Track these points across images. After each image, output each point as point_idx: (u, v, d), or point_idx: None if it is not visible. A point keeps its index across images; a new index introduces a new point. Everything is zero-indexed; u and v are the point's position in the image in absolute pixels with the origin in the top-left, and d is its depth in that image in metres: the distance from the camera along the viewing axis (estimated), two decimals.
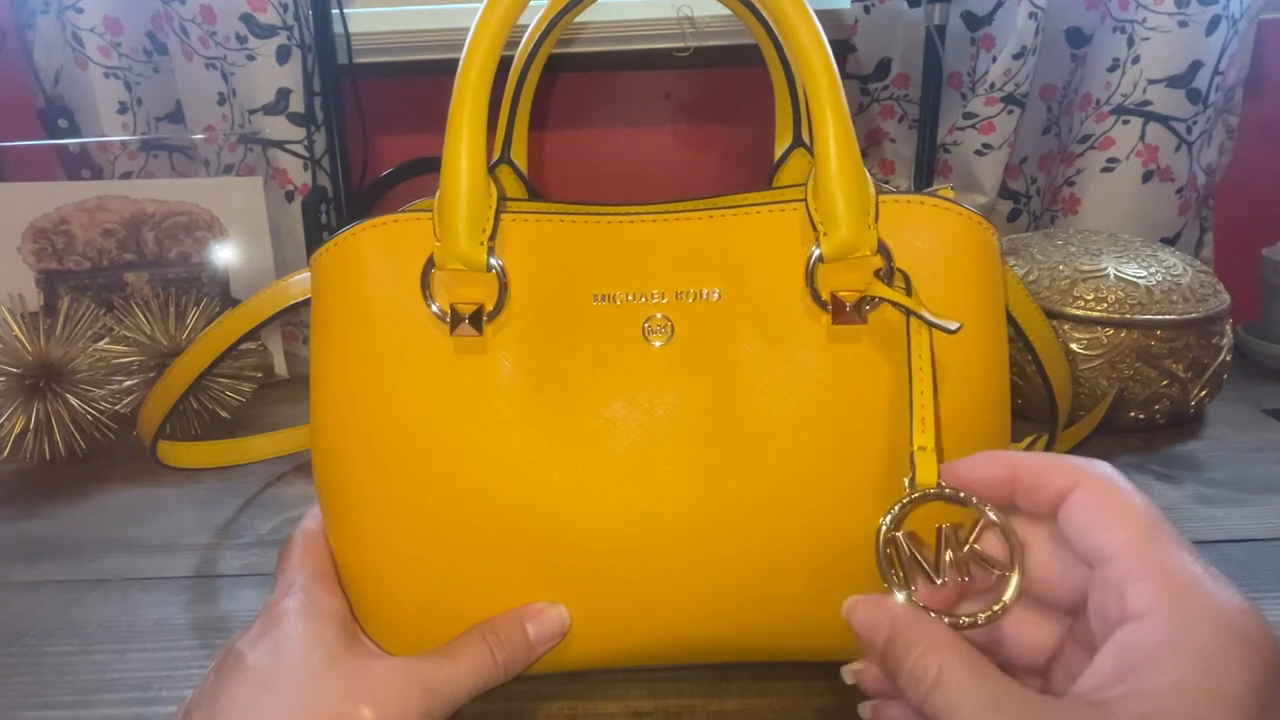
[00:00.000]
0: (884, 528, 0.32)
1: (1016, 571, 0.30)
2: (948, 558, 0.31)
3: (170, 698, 0.40)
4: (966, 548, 0.31)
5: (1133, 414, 0.65)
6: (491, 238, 0.37)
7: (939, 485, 0.32)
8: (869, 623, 0.30)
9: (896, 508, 0.32)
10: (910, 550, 0.31)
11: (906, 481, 0.32)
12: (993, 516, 0.31)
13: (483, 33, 0.36)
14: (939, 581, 0.31)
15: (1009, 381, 0.38)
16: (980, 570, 0.31)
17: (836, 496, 0.36)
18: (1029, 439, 0.55)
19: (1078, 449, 0.57)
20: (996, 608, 0.30)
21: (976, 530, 0.31)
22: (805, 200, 0.37)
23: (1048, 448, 0.53)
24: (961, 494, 0.31)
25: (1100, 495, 0.28)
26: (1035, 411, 0.63)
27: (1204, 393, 0.65)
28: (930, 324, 0.34)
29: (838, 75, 0.36)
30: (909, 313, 0.35)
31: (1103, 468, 0.29)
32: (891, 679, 0.28)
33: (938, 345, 0.35)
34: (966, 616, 0.30)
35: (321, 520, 0.39)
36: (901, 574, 0.31)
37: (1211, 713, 0.22)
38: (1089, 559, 0.27)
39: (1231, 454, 0.62)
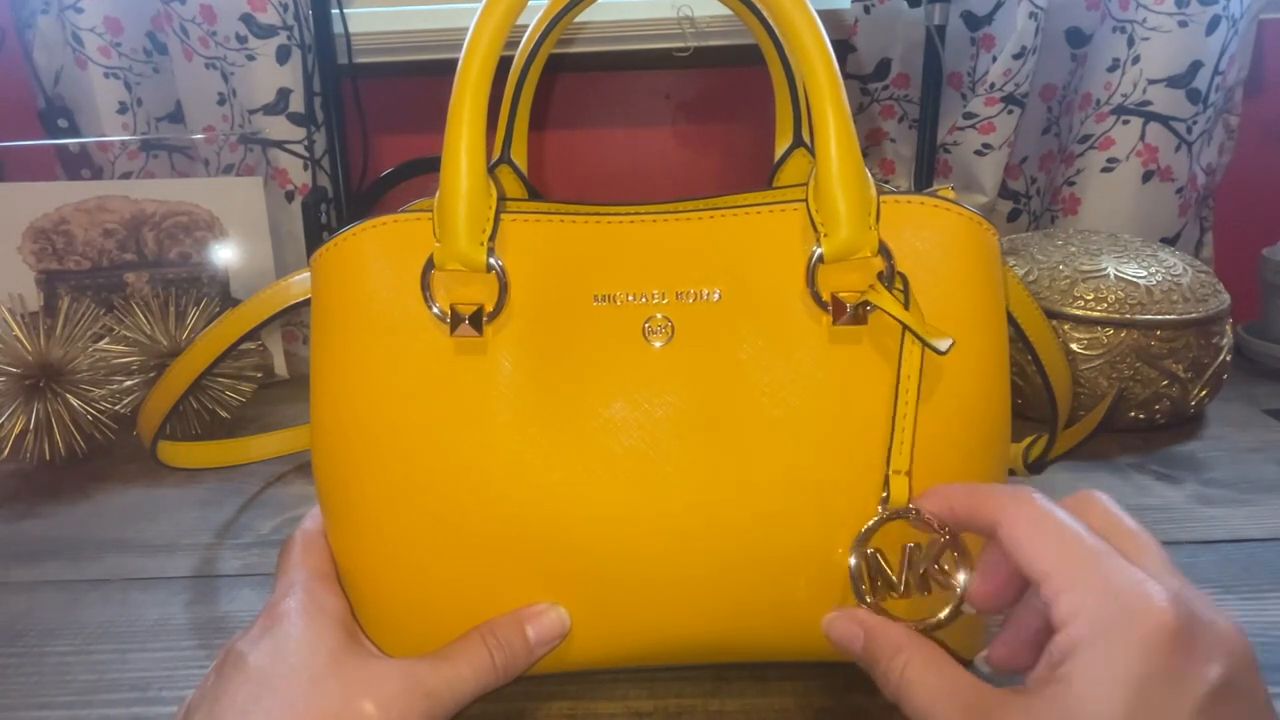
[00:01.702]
0: (856, 544, 0.35)
1: (960, 589, 0.33)
2: (908, 573, 0.35)
3: (170, 698, 0.40)
4: (925, 566, 0.34)
5: (1133, 414, 0.65)
6: (491, 238, 0.36)
7: (908, 508, 0.35)
8: (846, 634, 0.34)
9: (867, 527, 0.35)
10: (879, 566, 0.35)
11: (880, 503, 0.35)
12: (946, 539, 0.34)
13: (482, 33, 0.36)
14: (899, 594, 0.35)
15: (1009, 382, 0.38)
16: (939, 584, 0.34)
17: (836, 494, 0.36)
18: (1029, 439, 0.55)
19: (1078, 449, 0.57)
20: (942, 616, 0.34)
21: (936, 550, 0.34)
22: (806, 201, 0.37)
23: (1048, 447, 0.53)
24: (925, 517, 0.34)
25: (1026, 525, 0.29)
26: (1035, 411, 0.63)
27: (1204, 393, 0.65)
28: (923, 343, 0.34)
29: (839, 74, 0.36)
30: (905, 327, 0.35)
31: (1026, 500, 0.30)
32: (867, 667, 0.33)
33: None
34: (917, 623, 0.34)
35: (321, 520, 0.39)
36: (869, 586, 0.35)
37: (1108, 694, 0.25)
38: (1031, 583, 0.29)
39: (1231, 454, 0.62)
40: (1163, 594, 0.26)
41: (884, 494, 0.35)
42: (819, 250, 0.36)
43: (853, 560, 0.35)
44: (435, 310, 0.36)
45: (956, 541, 0.34)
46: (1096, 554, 0.28)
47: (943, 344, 0.34)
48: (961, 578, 0.34)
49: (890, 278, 0.36)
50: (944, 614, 0.34)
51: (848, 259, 0.36)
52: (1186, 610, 0.26)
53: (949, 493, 0.34)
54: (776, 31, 0.47)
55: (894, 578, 0.35)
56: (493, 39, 0.36)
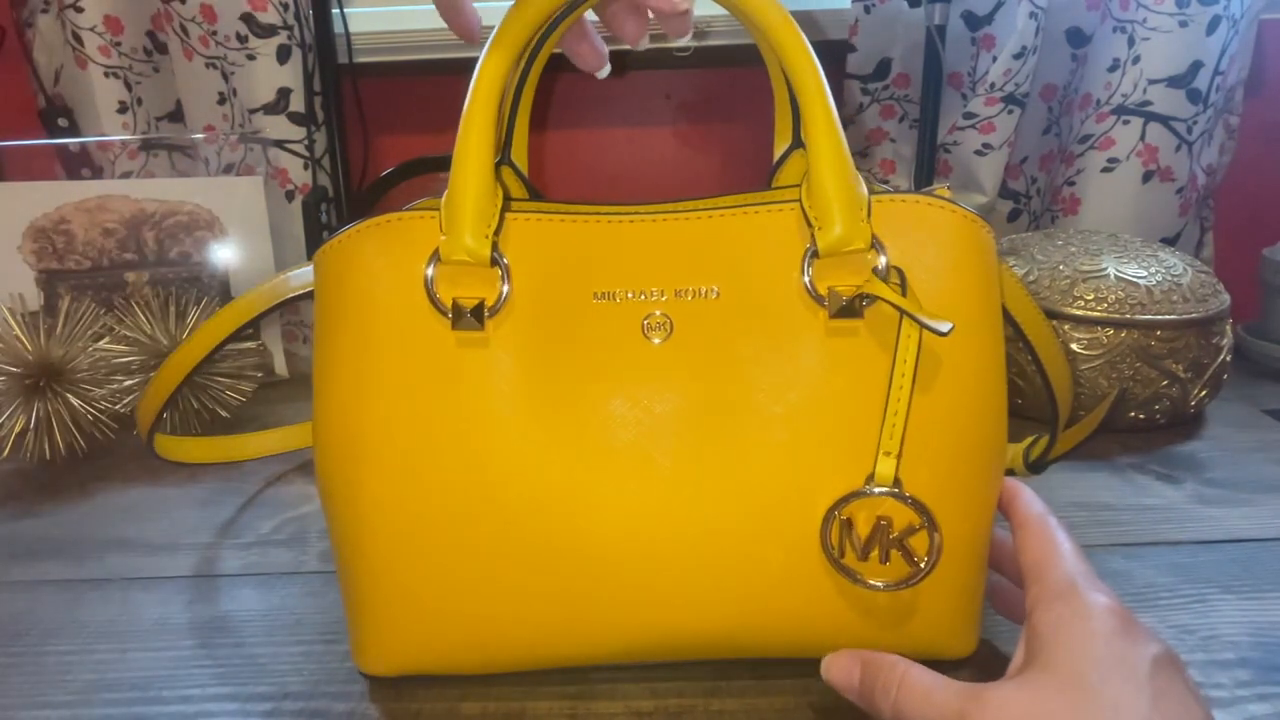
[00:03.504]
0: (832, 507, 0.36)
1: (920, 572, 0.36)
2: (873, 542, 0.36)
3: (170, 697, 0.40)
4: (891, 541, 0.36)
5: (1133, 414, 0.65)
6: (496, 233, 0.37)
7: (893, 487, 0.35)
8: (844, 669, 0.36)
9: (848, 494, 0.36)
10: (847, 530, 0.36)
11: (866, 480, 0.36)
12: (925, 523, 0.35)
13: (502, 39, 0.36)
14: (861, 559, 0.36)
15: (1006, 380, 0.38)
16: (901, 556, 0.36)
17: (835, 492, 0.36)
18: (1029, 439, 0.55)
19: (1078, 449, 0.57)
20: (879, 584, 0.36)
21: (907, 531, 0.36)
22: (800, 199, 0.37)
23: (1048, 447, 0.53)
24: (909, 497, 0.35)
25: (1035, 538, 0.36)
26: (1035, 411, 0.63)
27: (1204, 393, 0.65)
28: (922, 325, 0.34)
29: (821, 72, 0.36)
30: (902, 312, 0.35)
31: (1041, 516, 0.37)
32: (865, 699, 0.35)
33: (934, 343, 0.36)
34: (863, 581, 0.36)
35: None
36: (836, 546, 0.36)
37: (1030, 667, 0.31)
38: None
39: (1231, 454, 0.62)
40: (1097, 596, 0.32)
41: (870, 471, 0.36)
42: (813, 245, 0.36)
43: (824, 520, 0.36)
44: (438, 304, 0.36)
45: (933, 528, 0.35)
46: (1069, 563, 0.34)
47: (943, 326, 0.34)
48: (923, 563, 0.35)
49: (885, 273, 0.36)
50: (880, 584, 0.36)
51: (841, 253, 0.36)
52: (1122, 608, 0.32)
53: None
54: (754, 37, 0.47)
55: (859, 543, 0.36)
56: (510, 46, 0.36)
